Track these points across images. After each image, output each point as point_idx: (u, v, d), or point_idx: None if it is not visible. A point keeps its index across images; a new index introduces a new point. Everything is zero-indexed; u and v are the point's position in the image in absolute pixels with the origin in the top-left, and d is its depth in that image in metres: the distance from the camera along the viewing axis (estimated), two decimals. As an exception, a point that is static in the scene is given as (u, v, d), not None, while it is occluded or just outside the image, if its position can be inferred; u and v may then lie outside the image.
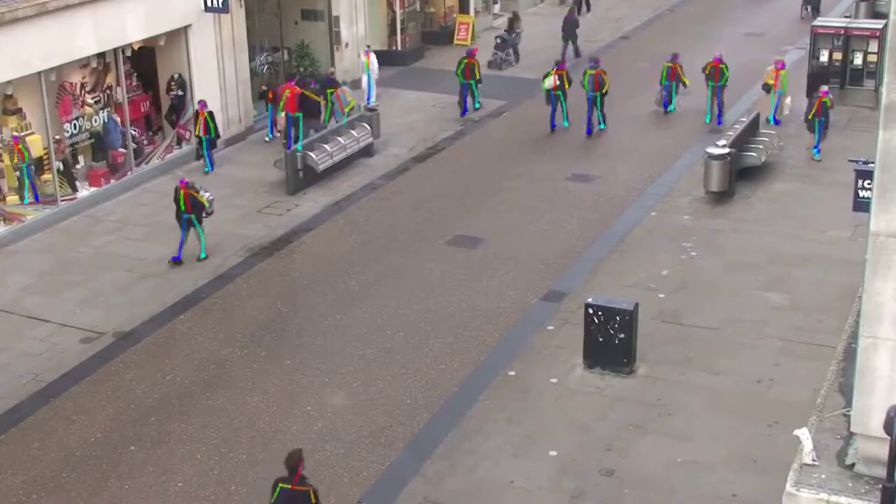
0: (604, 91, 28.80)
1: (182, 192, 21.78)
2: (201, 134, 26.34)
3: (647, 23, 41.09)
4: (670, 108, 30.77)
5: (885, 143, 9.20)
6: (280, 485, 13.15)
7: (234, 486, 15.42)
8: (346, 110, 28.40)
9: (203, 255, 22.15)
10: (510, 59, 35.61)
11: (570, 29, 36.03)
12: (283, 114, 27.47)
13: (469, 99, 30.83)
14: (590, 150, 28.34)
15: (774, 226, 23.29)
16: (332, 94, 28.76)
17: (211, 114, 26.29)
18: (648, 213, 24.21)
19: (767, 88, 29.52)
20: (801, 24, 35.70)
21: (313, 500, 13.08)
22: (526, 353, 18.63)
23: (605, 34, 37.29)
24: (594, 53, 35.84)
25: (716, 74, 29.33)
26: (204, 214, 22.04)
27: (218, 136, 26.76)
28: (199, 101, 26.47)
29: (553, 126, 29.31)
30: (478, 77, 30.62)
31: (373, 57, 31.03)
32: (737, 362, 18.06)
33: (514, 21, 36.86)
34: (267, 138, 28.81)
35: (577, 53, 35.82)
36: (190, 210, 21.78)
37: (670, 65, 30.44)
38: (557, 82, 28.87)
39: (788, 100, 29.26)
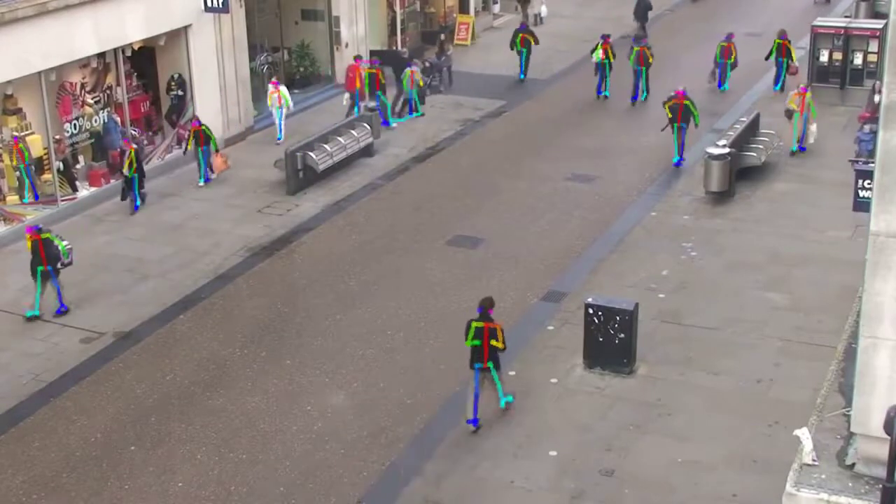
0: (648, 64, 31.48)
1: (33, 239, 19.47)
2: (128, 173, 23.96)
3: (647, 23, 41.00)
4: (724, 86, 32.44)
5: (885, 143, 9.20)
6: (473, 323, 16.33)
7: (234, 486, 15.42)
8: (419, 86, 30.85)
9: (58, 311, 19.87)
10: (438, 85, 33.23)
11: (641, 11, 38.29)
12: (347, 94, 29.97)
13: (524, 64, 34.28)
14: (590, 150, 28.34)
15: (774, 226, 23.29)
16: (406, 73, 30.58)
17: (137, 151, 24.29)
18: (648, 213, 24.21)
19: (790, 114, 27.07)
20: (801, 23, 35.67)
21: (500, 335, 16.29)
22: (526, 353, 18.62)
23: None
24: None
25: (678, 113, 26.47)
26: (59, 265, 19.76)
27: (143, 174, 24.41)
28: (125, 138, 24.96)
29: (599, 93, 32.20)
30: (533, 44, 34.24)
31: (283, 89, 28.73)
32: (737, 362, 18.06)
33: (443, 43, 34.66)
34: (200, 182, 25.94)
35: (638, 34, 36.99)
36: (45, 261, 19.54)
37: (725, 44, 32.34)
38: (604, 55, 31.75)
39: (814, 126, 26.95)
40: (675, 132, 26.73)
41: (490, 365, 16.43)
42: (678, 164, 26.74)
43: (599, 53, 31.91)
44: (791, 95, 27.50)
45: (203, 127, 25.76)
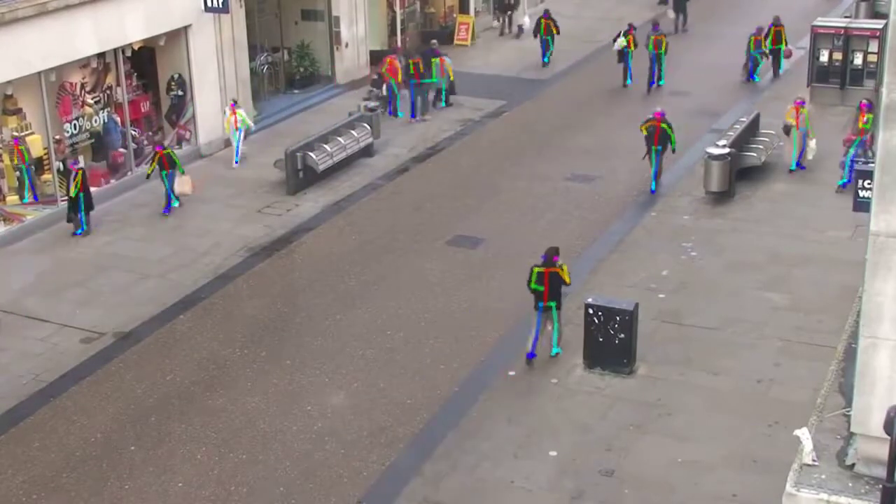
0: (664, 51, 32.60)
1: None
2: (77, 193, 22.79)
3: (647, 23, 40.98)
4: (756, 78, 33.43)
5: (885, 143, 9.20)
6: (535, 268, 17.79)
7: (234, 486, 15.42)
8: (449, 76, 31.35)
9: None
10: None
11: (680, 3, 39.83)
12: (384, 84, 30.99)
13: (547, 52, 35.79)
14: (590, 150, 28.33)
15: (774, 226, 23.28)
16: (436, 62, 31.02)
17: (83, 171, 22.99)
18: (648, 213, 24.20)
19: (788, 129, 25.93)
20: (803, 23, 35.67)
21: (565, 271, 17.81)
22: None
23: (605, 35, 37.23)
24: (595, 53, 36.07)
25: (656, 136, 24.87)
26: None
27: (90, 196, 23.20)
28: (71, 161, 23.46)
29: (629, 82, 33.21)
30: (555, 32, 35.63)
31: (242, 112, 27.25)
32: (737, 362, 18.06)
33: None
34: (164, 212, 24.40)
35: (682, 27, 39.29)
36: None
37: (755, 37, 33.14)
38: (625, 43, 33.04)
39: (813, 142, 25.75)
40: (651, 155, 25.10)
41: (552, 304, 17.88)
42: (653, 192, 25.19)
43: (623, 42, 32.97)
44: (788, 109, 26.25)
45: (167, 151, 24.47)
